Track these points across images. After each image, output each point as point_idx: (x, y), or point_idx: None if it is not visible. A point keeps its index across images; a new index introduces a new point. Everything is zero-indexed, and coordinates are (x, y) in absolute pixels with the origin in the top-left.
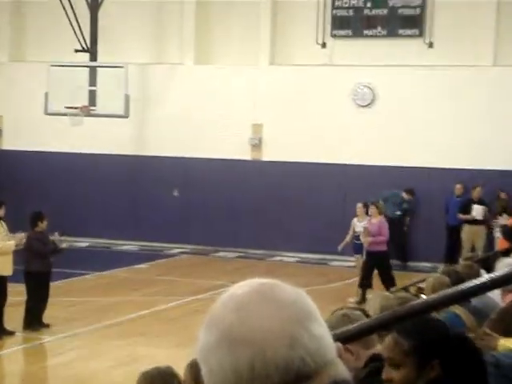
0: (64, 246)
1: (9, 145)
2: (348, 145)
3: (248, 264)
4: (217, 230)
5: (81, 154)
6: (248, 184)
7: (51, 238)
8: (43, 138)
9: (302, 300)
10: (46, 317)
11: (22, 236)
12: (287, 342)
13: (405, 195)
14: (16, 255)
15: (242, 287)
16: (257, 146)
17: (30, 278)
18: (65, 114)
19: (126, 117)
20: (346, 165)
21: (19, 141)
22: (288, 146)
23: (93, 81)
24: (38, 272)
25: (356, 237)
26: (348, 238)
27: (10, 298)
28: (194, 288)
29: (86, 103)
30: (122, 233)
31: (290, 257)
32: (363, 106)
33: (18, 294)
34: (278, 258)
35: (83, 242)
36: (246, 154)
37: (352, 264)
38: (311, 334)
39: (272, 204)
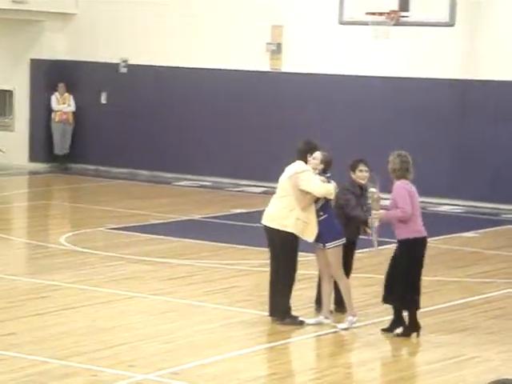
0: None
1: (291, 65)
2: None
3: None
4: None
5: (373, 77)
6: None
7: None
8: (336, 55)
9: None
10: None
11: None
12: None
13: None
14: None
15: None
16: None
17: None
18: (366, 24)
19: (452, 25)
20: None
21: (300, 60)
22: None
23: None
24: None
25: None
26: None
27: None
28: None
29: (396, 7)
30: (442, 189)
31: None
32: None
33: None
34: None
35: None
36: None
37: None
38: None
39: None
